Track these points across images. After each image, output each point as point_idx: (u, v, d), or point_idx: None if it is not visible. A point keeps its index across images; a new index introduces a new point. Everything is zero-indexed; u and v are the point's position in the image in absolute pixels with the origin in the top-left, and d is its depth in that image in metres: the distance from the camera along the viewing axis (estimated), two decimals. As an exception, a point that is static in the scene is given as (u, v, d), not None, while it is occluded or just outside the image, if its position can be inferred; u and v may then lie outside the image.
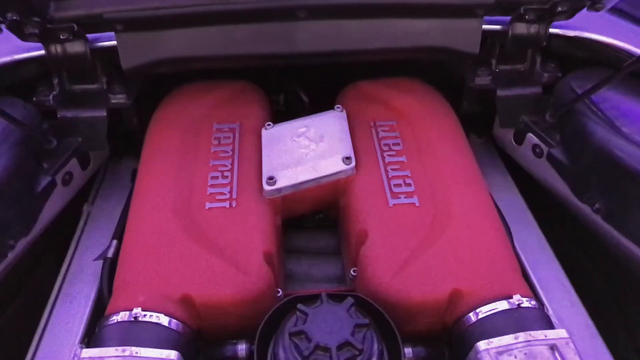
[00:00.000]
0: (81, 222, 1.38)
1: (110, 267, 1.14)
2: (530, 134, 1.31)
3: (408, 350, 0.89)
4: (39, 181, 1.18)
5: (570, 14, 1.12)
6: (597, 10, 1.12)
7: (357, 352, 0.75)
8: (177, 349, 0.82)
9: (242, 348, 0.89)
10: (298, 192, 1.09)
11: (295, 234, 1.24)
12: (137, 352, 0.80)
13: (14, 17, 0.98)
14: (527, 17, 1.15)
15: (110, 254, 1.16)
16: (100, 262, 1.19)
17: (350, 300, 0.81)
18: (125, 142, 1.45)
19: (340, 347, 0.75)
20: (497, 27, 1.21)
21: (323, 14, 1.13)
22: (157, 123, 1.25)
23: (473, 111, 1.44)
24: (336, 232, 1.24)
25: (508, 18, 1.20)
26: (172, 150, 1.16)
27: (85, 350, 0.82)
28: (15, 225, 1.14)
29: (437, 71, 1.39)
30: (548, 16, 1.14)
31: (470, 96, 1.40)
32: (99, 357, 0.80)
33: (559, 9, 1.10)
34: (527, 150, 1.34)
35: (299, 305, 0.80)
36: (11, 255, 1.14)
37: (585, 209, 1.22)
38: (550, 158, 1.27)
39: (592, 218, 1.22)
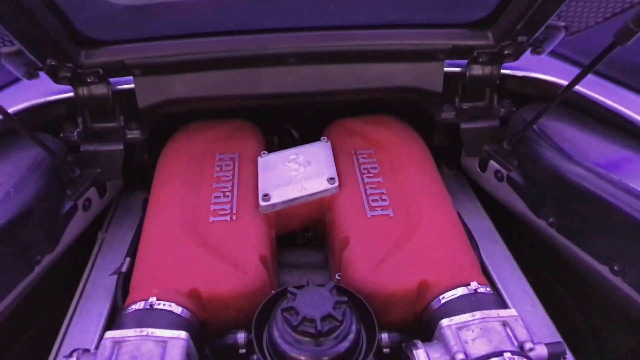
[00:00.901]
0: (96, 247, 1.53)
1: (124, 280, 1.28)
2: (492, 161, 1.48)
3: (384, 336, 1.01)
4: (63, 205, 1.34)
5: (516, 56, 1.32)
6: (539, 53, 1.32)
7: (337, 323, 0.89)
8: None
9: (241, 336, 1.02)
10: (289, 208, 1.25)
11: (288, 251, 1.39)
12: (152, 332, 0.94)
13: (52, 63, 1.17)
14: (480, 59, 1.35)
15: (124, 269, 1.31)
16: (115, 277, 1.33)
17: (331, 284, 0.95)
18: (136, 177, 1.62)
19: (323, 319, 0.88)
20: (457, 69, 1.41)
21: (309, 60, 1.32)
22: (167, 154, 1.42)
23: (443, 145, 1.62)
24: (324, 249, 1.39)
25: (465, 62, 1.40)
26: (180, 175, 1.32)
27: (108, 332, 0.95)
28: (42, 242, 1.29)
29: (411, 110, 1.57)
30: (498, 58, 1.34)
31: (439, 131, 1.58)
32: (120, 337, 0.93)
33: (506, 52, 1.30)
34: (490, 176, 1.51)
35: (289, 288, 0.94)
36: (37, 269, 1.28)
37: (542, 223, 1.38)
38: (510, 181, 1.44)
39: (549, 231, 1.38)
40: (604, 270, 1.25)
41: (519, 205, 1.44)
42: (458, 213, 1.29)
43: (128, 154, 1.46)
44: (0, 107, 1.06)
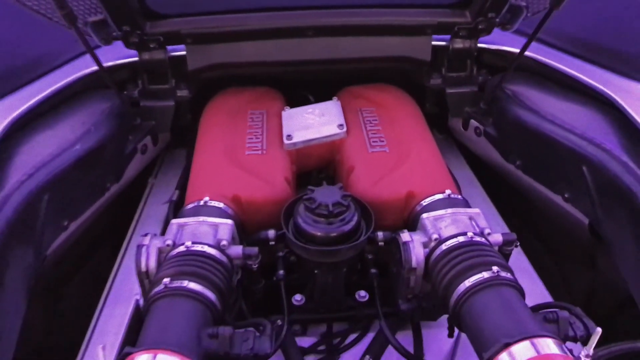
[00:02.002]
0: (147, 189, 1.85)
1: (174, 206, 1.59)
2: (472, 120, 1.79)
3: (379, 234, 1.31)
4: (127, 146, 1.66)
5: (488, 30, 1.63)
6: (507, 30, 1.62)
7: (344, 208, 1.19)
8: None
9: (271, 232, 1.31)
10: (306, 148, 1.55)
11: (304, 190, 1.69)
12: (206, 219, 1.24)
13: (127, 29, 1.49)
14: (460, 34, 1.66)
15: (174, 198, 1.62)
16: (166, 205, 1.65)
17: (340, 184, 1.25)
18: (179, 137, 1.94)
19: (334, 204, 1.18)
20: (443, 43, 1.73)
21: (323, 33, 1.64)
22: (209, 110, 1.73)
23: (434, 111, 1.92)
24: None
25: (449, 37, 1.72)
26: (221, 124, 1.63)
27: (173, 220, 1.26)
28: (111, 173, 1.60)
29: (406, 80, 1.88)
30: (474, 33, 1.65)
31: (430, 98, 1.89)
32: (184, 222, 1.24)
33: (480, 27, 1.61)
34: (471, 133, 1.82)
35: (309, 187, 1.24)
36: (107, 195, 1.60)
37: (511, 168, 1.68)
38: (486, 134, 1.74)
39: (516, 174, 1.68)
40: (558, 199, 1.55)
41: (493, 154, 1.74)
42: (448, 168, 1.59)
43: (176, 111, 1.78)
44: (99, 65, 1.39)
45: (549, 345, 0.91)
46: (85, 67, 1.62)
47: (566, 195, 1.51)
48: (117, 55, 1.68)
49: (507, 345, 0.92)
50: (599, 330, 0.92)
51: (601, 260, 1.59)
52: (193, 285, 1.06)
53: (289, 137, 1.54)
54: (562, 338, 1.00)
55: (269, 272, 1.30)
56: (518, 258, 1.52)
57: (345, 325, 1.39)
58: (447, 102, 1.82)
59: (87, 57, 1.61)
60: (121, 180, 1.64)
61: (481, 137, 1.77)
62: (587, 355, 0.92)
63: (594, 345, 0.91)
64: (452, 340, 1.34)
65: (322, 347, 1.36)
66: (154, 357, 0.90)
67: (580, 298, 1.78)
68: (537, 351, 0.90)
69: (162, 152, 1.93)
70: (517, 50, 1.63)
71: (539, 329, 0.95)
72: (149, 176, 1.86)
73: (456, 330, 1.22)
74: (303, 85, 1.85)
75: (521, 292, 1.07)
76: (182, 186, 1.61)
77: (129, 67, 1.68)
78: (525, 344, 0.91)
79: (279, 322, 1.15)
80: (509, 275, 1.08)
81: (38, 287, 1.30)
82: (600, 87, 1.47)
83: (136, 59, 1.65)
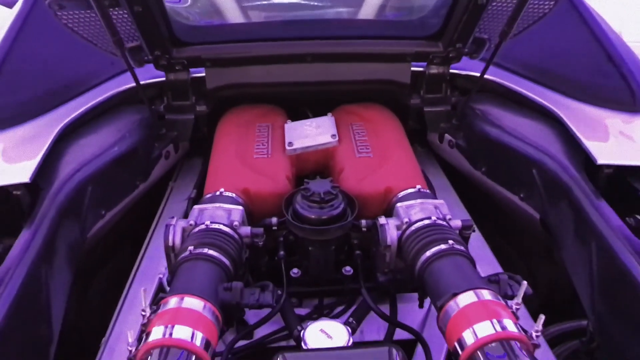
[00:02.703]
0: (168, 191, 2.12)
1: (192, 202, 1.86)
2: (446, 134, 2.07)
3: (363, 221, 1.57)
4: (153, 151, 1.94)
5: (458, 58, 1.92)
6: (474, 58, 1.91)
7: (333, 196, 1.46)
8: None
9: (274, 220, 1.58)
10: (305, 153, 1.82)
11: None
12: (220, 205, 1.51)
13: (157, 54, 1.79)
14: (434, 61, 1.95)
15: (192, 195, 1.90)
16: (185, 201, 1.92)
17: (330, 178, 1.53)
18: (196, 147, 2.22)
19: (325, 193, 1.45)
20: (420, 68, 2.02)
21: (320, 59, 1.93)
22: (222, 124, 2.01)
23: (415, 128, 2.20)
24: None
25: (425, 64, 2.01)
26: (232, 134, 1.91)
27: (195, 206, 1.53)
28: (140, 173, 1.88)
29: (392, 101, 2.16)
30: (446, 60, 1.94)
31: (412, 116, 2.17)
32: (203, 207, 1.50)
33: (451, 55, 1.90)
34: (446, 145, 2.09)
35: (305, 179, 1.52)
36: (136, 192, 1.87)
37: (478, 174, 1.96)
38: (458, 146, 2.02)
39: (483, 179, 1.95)
40: (516, 199, 1.82)
41: (464, 163, 2.02)
42: (423, 171, 1.86)
43: (195, 124, 2.06)
44: (137, 83, 1.68)
45: (488, 295, 1.17)
46: (119, 85, 1.91)
47: (522, 195, 1.78)
48: (146, 75, 1.97)
49: (454, 294, 1.18)
50: (525, 283, 1.17)
51: (556, 253, 1.85)
52: (212, 252, 1.32)
53: (290, 144, 1.82)
54: (502, 295, 1.25)
55: (271, 255, 1.56)
56: (484, 252, 1.77)
57: (334, 299, 1.65)
58: (425, 119, 2.10)
59: (121, 77, 1.91)
60: (147, 181, 1.92)
61: (454, 148, 2.05)
62: (517, 304, 1.17)
63: (521, 295, 1.17)
64: (424, 311, 1.58)
65: (314, 317, 1.61)
66: (182, 299, 1.16)
67: (544, 289, 2.03)
68: (478, 297, 1.16)
69: (182, 160, 2.21)
70: (490, 78, 1.92)
71: (482, 284, 1.21)
72: (169, 179, 2.14)
73: (426, 304, 1.48)
74: (303, 103, 2.14)
75: (472, 261, 1.33)
76: (199, 186, 1.89)
77: (157, 85, 1.98)
78: (469, 293, 1.17)
79: (279, 292, 1.41)
80: (462, 247, 1.34)
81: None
82: (547, 104, 1.75)
83: (163, 79, 1.94)
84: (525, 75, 1.90)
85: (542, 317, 1.11)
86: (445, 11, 1.73)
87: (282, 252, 1.53)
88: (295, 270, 1.55)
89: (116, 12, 1.51)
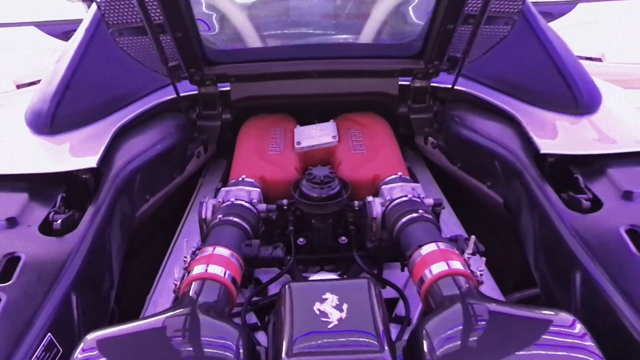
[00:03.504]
0: (198, 186, 2.51)
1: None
2: (429, 137, 2.44)
3: (355, 202, 1.92)
4: (187, 151, 2.33)
5: (436, 74, 2.28)
6: (450, 73, 2.27)
7: (330, 178, 1.83)
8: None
9: (285, 201, 1.94)
10: (311, 151, 2.20)
11: None
12: (242, 188, 1.89)
13: (192, 71, 2.19)
14: (418, 76, 2.33)
15: (219, 187, 2.28)
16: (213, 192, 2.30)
17: (329, 166, 1.90)
18: (221, 150, 2.61)
19: (324, 177, 1.82)
20: (407, 82, 2.40)
21: (324, 75, 2.32)
22: (244, 129, 2.39)
23: (405, 133, 2.56)
24: None
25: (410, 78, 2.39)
26: (252, 137, 2.30)
27: (222, 188, 1.91)
28: (177, 168, 2.27)
29: (384, 109, 2.54)
30: (427, 75, 2.31)
31: (402, 123, 2.54)
32: (228, 189, 1.88)
33: (431, 71, 2.27)
34: (429, 146, 2.46)
35: (309, 166, 1.89)
36: (172, 184, 2.26)
37: (455, 169, 2.31)
38: (439, 147, 2.38)
39: (460, 173, 2.30)
40: (484, 187, 2.17)
41: (444, 161, 2.38)
42: (409, 168, 2.22)
43: (221, 129, 2.46)
44: (177, 94, 2.08)
45: (444, 246, 1.52)
46: (160, 97, 2.31)
47: (488, 184, 2.13)
48: (182, 89, 2.38)
49: (420, 246, 1.53)
50: (473, 237, 1.52)
51: (515, 229, 2.18)
52: (236, 219, 1.69)
53: (299, 143, 2.20)
54: (459, 251, 1.60)
55: (282, 231, 1.92)
56: (458, 230, 2.12)
57: (333, 267, 2.00)
58: (412, 125, 2.47)
59: (161, 91, 2.32)
60: (182, 175, 2.31)
61: (436, 148, 2.41)
62: (468, 254, 1.52)
63: (471, 247, 1.51)
64: (405, 277, 1.92)
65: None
66: (214, 248, 1.53)
67: (518, 268, 2.35)
68: (437, 247, 1.51)
69: (209, 160, 2.60)
70: (460, 88, 2.29)
71: (442, 240, 1.56)
72: (199, 177, 2.53)
73: (406, 272, 1.81)
74: (310, 111, 2.51)
75: (437, 227, 1.68)
76: (224, 181, 2.26)
77: (191, 97, 2.38)
78: (431, 244, 1.52)
79: (289, 257, 1.77)
80: (430, 216, 1.69)
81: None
82: (508, 109, 2.11)
83: (196, 92, 2.34)
84: (492, 86, 2.27)
85: (483, 259, 1.46)
86: (424, 35, 2.11)
87: (291, 227, 1.89)
88: (301, 239, 1.91)
89: (163, 38, 1.92)
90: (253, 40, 2.47)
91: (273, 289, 1.79)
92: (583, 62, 4.42)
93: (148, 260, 2.23)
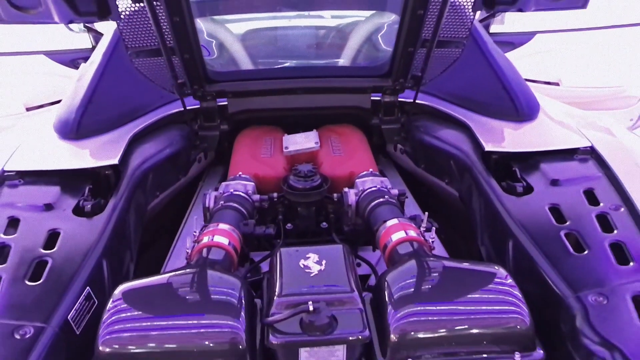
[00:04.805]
0: (198, 188, 2.83)
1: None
2: (398, 145, 2.80)
3: (335, 195, 2.27)
4: (190, 156, 2.67)
5: (402, 90, 2.66)
6: (414, 90, 2.66)
7: (313, 174, 2.17)
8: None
9: (275, 195, 2.28)
10: (297, 154, 2.54)
11: None
12: (239, 182, 2.22)
13: (195, 88, 2.54)
14: (387, 92, 2.70)
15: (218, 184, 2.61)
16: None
17: (312, 163, 2.25)
18: (219, 157, 2.94)
19: (307, 171, 2.16)
20: (377, 97, 2.77)
21: (307, 92, 2.68)
22: (239, 138, 2.74)
23: (378, 143, 2.92)
24: None
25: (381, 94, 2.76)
26: (247, 144, 2.64)
27: (222, 182, 2.24)
28: (181, 170, 2.60)
29: (360, 123, 2.90)
30: (395, 92, 2.68)
31: (375, 133, 2.90)
32: (227, 183, 2.22)
33: (397, 87, 2.64)
34: (398, 153, 2.82)
35: (295, 164, 2.23)
36: (177, 184, 2.59)
37: (419, 170, 2.67)
38: (406, 152, 2.74)
39: (424, 174, 2.66)
40: (443, 184, 2.53)
41: (411, 164, 2.74)
42: (381, 170, 2.57)
43: (220, 138, 2.80)
44: (184, 107, 2.44)
45: (405, 220, 1.86)
46: (167, 110, 2.65)
47: (446, 181, 2.49)
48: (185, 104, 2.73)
49: (384, 221, 1.87)
50: (426, 213, 1.87)
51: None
52: (235, 205, 2.03)
53: (287, 148, 2.55)
54: (417, 227, 1.93)
55: (272, 221, 2.25)
56: None
57: None
58: (384, 135, 2.84)
59: (168, 105, 2.66)
60: (186, 176, 2.64)
61: (403, 154, 2.77)
62: (423, 227, 1.86)
63: (425, 221, 1.86)
64: (377, 256, 2.25)
65: None
66: (218, 225, 1.86)
67: (476, 256, 2.69)
68: (399, 221, 1.85)
69: (209, 166, 2.93)
70: (422, 102, 2.67)
71: (403, 217, 1.91)
72: (199, 180, 2.86)
73: (377, 254, 2.14)
74: (296, 123, 2.85)
75: (400, 209, 2.02)
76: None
77: (194, 111, 2.73)
78: (394, 220, 1.86)
79: (279, 240, 2.09)
80: (394, 200, 2.04)
81: None
82: (462, 118, 2.48)
83: (198, 106, 2.70)
84: (449, 100, 2.63)
85: (433, 229, 1.81)
86: (391, 58, 2.50)
87: (280, 216, 2.22)
88: (289, 225, 2.24)
89: (172, 59, 2.27)
90: (247, 63, 2.84)
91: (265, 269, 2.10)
92: (542, 86, 4.92)
93: (154, 253, 2.53)
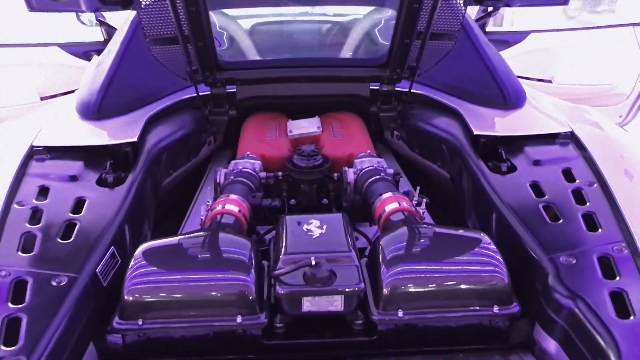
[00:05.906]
0: (207, 170, 3.00)
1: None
2: (395, 131, 2.98)
3: (335, 174, 2.44)
4: (201, 139, 2.84)
5: (399, 80, 2.83)
6: (410, 80, 2.83)
7: (315, 153, 2.34)
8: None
9: (280, 173, 2.45)
10: (300, 137, 2.71)
11: None
12: (247, 160, 2.39)
13: (207, 74, 2.71)
14: (384, 82, 2.86)
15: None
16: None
17: (314, 145, 2.42)
18: (227, 141, 3.11)
19: (310, 151, 2.33)
20: (376, 87, 2.94)
21: (311, 80, 2.84)
22: (246, 123, 2.91)
23: (377, 130, 3.10)
24: None
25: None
26: (254, 128, 2.81)
27: (232, 161, 2.41)
28: (192, 152, 2.77)
29: (360, 111, 3.07)
30: (392, 81, 2.85)
31: (373, 121, 3.07)
32: (236, 162, 2.39)
33: (394, 77, 2.81)
34: (395, 139, 2.99)
35: (299, 145, 2.41)
36: (189, 164, 2.76)
37: (414, 154, 2.84)
38: (402, 138, 2.92)
39: (418, 158, 2.83)
40: (436, 167, 2.70)
41: (406, 149, 2.91)
42: (379, 154, 2.74)
43: (228, 123, 2.97)
44: (197, 93, 2.61)
45: (398, 194, 2.04)
46: (180, 96, 2.82)
47: (439, 164, 2.67)
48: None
49: (380, 194, 2.05)
50: (418, 188, 2.04)
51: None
52: (244, 179, 2.20)
53: (291, 132, 2.72)
54: (410, 201, 2.10)
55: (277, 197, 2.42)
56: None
57: None
58: (381, 122, 3.01)
59: (181, 91, 2.83)
60: (197, 157, 2.81)
61: (399, 140, 2.95)
62: (414, 199, 2.03)
63: (416, 195, 2.03)
64: (373, 231, 2.42)
65: None
66: (228, 196, 2.03)
67: None
68: (393, 195, 2.03)
69: (217, 149, 3.10)
70: (417, 92, 2.84)
71: (397, 191, 2.08)
72: (209, 162, 3.03)
73: (373, 229, 2.31)
74: (299, 109, 3.01)
75: (394, 185, 2.20)
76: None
77: (204, 97, 2.89)
78: (388, 193, 2.04)
79: (284, 215, 2.26)
80: (389, 178, 2.21)
81: None
82: (453, 106, 2.64)
83: (209, 92, 2.87)
84: (441, 89, 2.79)
85: (424, 202, 1.99)
86: (388, 49, 2.67)
87: (285, 193, 2.40)
88: (292, 200, 2.41)
89: (187, 46, 2.44)
90: (254, 53, 3.01)
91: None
92: (535, 83, 5.09)
93: (166, 230, 2.70)
